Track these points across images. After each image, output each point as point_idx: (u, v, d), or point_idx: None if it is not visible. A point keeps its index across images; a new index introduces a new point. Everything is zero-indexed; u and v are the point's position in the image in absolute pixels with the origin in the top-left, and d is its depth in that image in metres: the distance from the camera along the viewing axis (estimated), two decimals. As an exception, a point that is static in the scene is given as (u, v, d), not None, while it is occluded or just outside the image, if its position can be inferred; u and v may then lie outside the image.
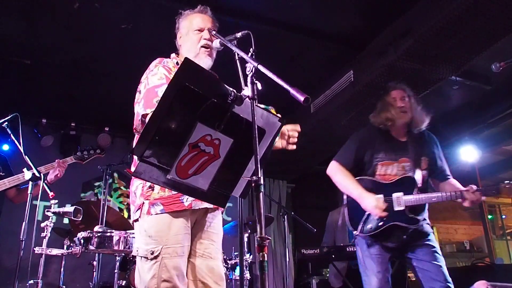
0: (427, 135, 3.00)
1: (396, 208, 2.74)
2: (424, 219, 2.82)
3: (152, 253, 1.80)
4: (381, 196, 2.75)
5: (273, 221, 6.43)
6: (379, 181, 2.86)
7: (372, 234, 2.77)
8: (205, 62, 2.04)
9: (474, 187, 2.66)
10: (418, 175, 2.83)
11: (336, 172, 2.93)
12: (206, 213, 1.99)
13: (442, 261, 2.71)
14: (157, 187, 1.87)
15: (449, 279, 2.63)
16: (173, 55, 2.16)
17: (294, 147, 1.93)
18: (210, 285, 1.91)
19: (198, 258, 1.95)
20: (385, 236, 2.76)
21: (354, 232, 2.89)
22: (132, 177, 1.99)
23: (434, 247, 2.75)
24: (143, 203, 1.88)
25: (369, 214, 2.79)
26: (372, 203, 2.71)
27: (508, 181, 2.68)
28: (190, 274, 1.92)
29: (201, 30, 2.07)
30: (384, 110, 2.95)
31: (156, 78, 1.91)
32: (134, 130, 1.94)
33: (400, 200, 2.75)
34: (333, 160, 2.99)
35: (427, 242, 2.76)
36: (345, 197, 2.97)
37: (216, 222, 2.06)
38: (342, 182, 2.91)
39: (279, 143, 1.91)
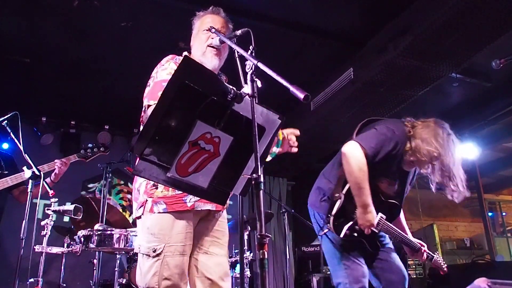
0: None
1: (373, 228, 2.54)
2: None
3: (154, 251, 1.81)
4: (380, 214, 2.57)
5: (273, 216, 6.43)
6: (379, 194, 2.59)
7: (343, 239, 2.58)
8: (211, 61, 2.05)
9: (424, 252, 2.83)
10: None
11: (356, 162, 2.43)
12: (210, 213, 2.01)
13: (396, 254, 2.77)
14: (161, 186, 1.88)
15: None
16: (185, 53, 2.16)
17: (296, 149, 1.96)
18: (216, 281, 1.92)
19: (204, 255, 1.96)
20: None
21: (327, 226, 2.61)
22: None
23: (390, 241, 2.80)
24: (147, 200, 1.89)
25: (354, 223, 2.55)
26: (373, 220, 2.48)
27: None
28: (196, 271, 1.94)
29: (210, 30, 2.06)
30: (430, 144, 2.51)
31: (165, 73, 1.93)
32: (141, 123, 1.99)
33: (381, 222, 2.56)
34: (356, 143, 2.47)
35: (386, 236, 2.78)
36: (346, 187, 2.58)
37: (221, 221, 2.08)
38: (357, 178, 2.43)
39: (281, 147, 1.94)
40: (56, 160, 3.38)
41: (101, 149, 3.72)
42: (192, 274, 1.94)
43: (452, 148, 2.52)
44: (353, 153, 2.44)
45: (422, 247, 2.82)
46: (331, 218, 2.56)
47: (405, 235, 2.78)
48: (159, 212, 1.85)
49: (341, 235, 2.55)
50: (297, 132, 1.97)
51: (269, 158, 1.79)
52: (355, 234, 2.57)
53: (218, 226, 2.05)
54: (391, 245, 2.78)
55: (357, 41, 4.45)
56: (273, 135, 1.55)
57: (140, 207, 1.92)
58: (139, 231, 1.96)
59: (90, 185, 6.15)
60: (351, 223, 2.57)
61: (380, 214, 2.57)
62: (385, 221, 2.61)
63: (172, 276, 1.79)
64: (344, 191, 2.58)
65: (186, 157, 1.42)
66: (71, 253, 3.58)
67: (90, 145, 3.70)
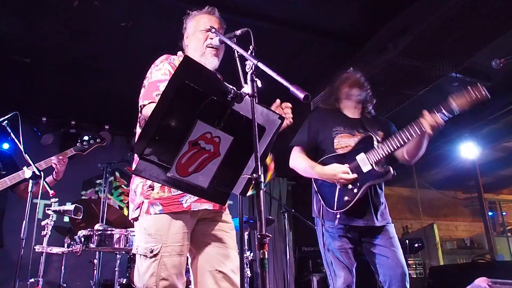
0: (382, 119, 3.01)
1: (365, 169, 2.59)
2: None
3: (152, 252, 1.81)
4: (346, 165, 2.62)
5: (273, 222, 6.45)
6: (340, 153, 2.71)
7: (347, 210, 2.57)
8: (211, 62, 2.06)
9: (432, 115, 2.48)
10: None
11: (295, 159, 2.84)
12: (210, 211, 2.00)
13: (399, 249, 2.61)
14: (157, 187, 1.88)
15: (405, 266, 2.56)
16: (179, 53, 2.17)
17: (291, 121, 2.05)
18: (227, 273, 1.91)
19: (213, 248, 1.95)
20: (356, 212, 2.59)
21: (318, 220, 2.69)
22: (133, 175, 2.00)
23: (392, 235, 2.64)
24: (143, 202, 1.89)
25: (340, 190, 2.62)
26: (333, 170, 2.59)
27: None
28: (206, 264, 1.92)
29: (210, 30, 2.06)
30: (333, 94, 2.99)
31: (160, 73, 1.94)
32: (138, 124, 2.00)
33: (365, 159, 2.62)
34: (291, 148, 2.91)
35: (387, 230, 2.64)
36: (314, 185, 2.78)
37: (225, 213, 2.07)
38: (301, 166, 2.81)
39: None
40: (52, 157, 3.34)
41: (97, 140, 3.63)
42: (203, 269, 1.92)
43: (352, 76, 3.05)
44: (291, 158, 2.92)
45: (422, 118, 2.50)
46: (322, 209, 2.69)
47: (397, 137, 2.55)
48: (155, 214, 1.85)
49: (337, 215, 2.62)
50: (289, 104, 2.07)
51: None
52: (349, 206, 2.58)
53: (224, 219, 2.05)
54: (394, 236, 2.65)
55: (357, 41, 4.45)
56: (273, 135, 1.55)
57: (136, 209, 1.92)
58: (136, 232, 1.96)
59: (91, 185, 6.15)
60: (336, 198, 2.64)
61: (346, 164, 2.64)
62: (363, 157, 2.62)
63: (169, 276, 1.79)
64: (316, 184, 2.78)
65: (186, 157, 1.42)
66: (71, 253, 3.57)
67: (86, 137, 3.61)
